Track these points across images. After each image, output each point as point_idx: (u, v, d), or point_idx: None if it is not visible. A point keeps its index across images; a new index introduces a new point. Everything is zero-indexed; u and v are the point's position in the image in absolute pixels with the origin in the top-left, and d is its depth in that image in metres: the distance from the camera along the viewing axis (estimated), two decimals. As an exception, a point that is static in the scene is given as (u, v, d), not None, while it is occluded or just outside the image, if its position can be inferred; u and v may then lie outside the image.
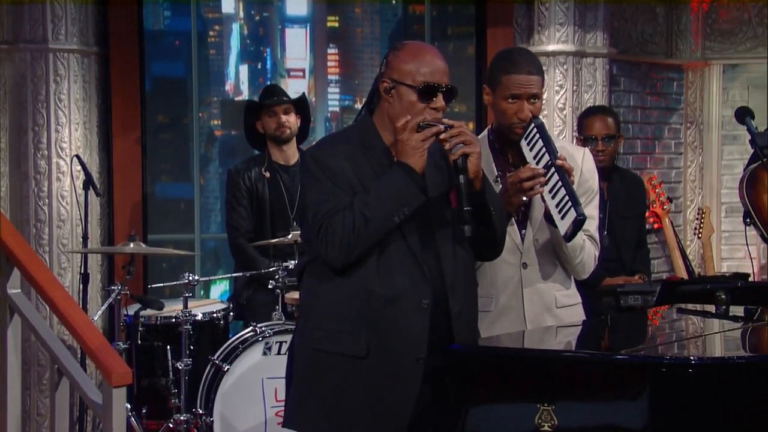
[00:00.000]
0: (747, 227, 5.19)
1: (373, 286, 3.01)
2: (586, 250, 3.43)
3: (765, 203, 5.07)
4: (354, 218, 2.96)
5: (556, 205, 3.23)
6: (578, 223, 3.18)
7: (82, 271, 5.25)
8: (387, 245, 3.02)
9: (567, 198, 3.20)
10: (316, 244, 3.01)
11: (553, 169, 3.25)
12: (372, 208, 2.96)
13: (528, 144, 3.35)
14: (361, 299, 3.01)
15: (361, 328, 3.01)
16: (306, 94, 5.68)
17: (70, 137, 5.62)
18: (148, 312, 4.95)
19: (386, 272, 3.02)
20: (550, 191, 3.26)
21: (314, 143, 3.25)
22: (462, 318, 3.11)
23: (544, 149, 3.29)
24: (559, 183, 3.22)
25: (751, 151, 5.43)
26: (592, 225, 3.47)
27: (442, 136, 3.00)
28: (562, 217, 3.22)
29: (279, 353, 4.78)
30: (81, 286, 5.24)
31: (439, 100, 3.05)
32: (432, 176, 3.11)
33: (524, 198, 3.31)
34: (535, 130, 3.33)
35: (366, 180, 3.04)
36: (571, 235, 3.23)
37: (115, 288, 4.85)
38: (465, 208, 2.97)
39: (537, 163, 3.30)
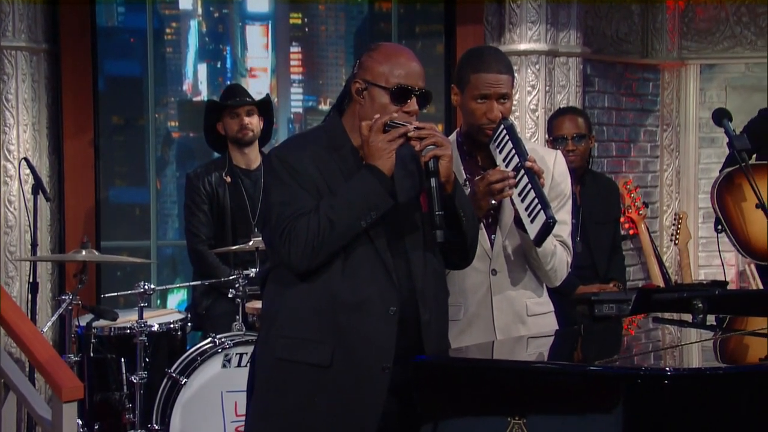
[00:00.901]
0: (719, 235, 5.23)
1: (339, 293, 3.00)
2: (558, 256, 3.44)
3: (741, 210, 5.10)
4: (319, 222, 2.96)
5: (526, 209, 3.24)
6: (548, 227, 3.19)
7: (31, 280, 5.21)
8: (353, 250, 3.02)
9: (536, 201, 3.20)
10: (279, 248, 3.00)
11: (522, 172, 3.26)
12: (338, 212, 2.96)
13: (497, 146, 3.35)
14: (325, 306, 3.01)
15: (326, 336, 3.01)
16: (269, 95, 5.67)
17: (19, 139, 5.57)
18: (101, 323, 4.91)
19: (352, 278, 3.01)
20: (519, 194, 3.26)
21: (280, 142, 3.24)
22: (431, 327, 3.10)
23: (513, 151, 3.29)
24: (529, 185, 3.23)
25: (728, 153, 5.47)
26: (564, 230, 3.48)
27: (411, 135, 3.00)
28: (532, 221, 3.22)
29: (239, 365, 4.76)
30: (30, 295, 5.19)
31: (413, 104, 3.06)
32: (402, 180, 3.11)
33: (493, 201, 3.31)
34: (504, 131, 3.33)
35: (333, 182, 3.03)
36: (540, 239, 3.23)
37: (66, 298, 4.80)
38: (437, 213, 2.97)
39: (506, 166, 3.31)
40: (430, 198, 2.99)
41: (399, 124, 3.01)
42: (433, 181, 2.98)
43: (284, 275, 3.06)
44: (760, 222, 4.97)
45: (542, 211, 3.18)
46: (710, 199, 5.25)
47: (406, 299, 3.05)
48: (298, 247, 2.96)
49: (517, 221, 3.34)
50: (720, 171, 5.55)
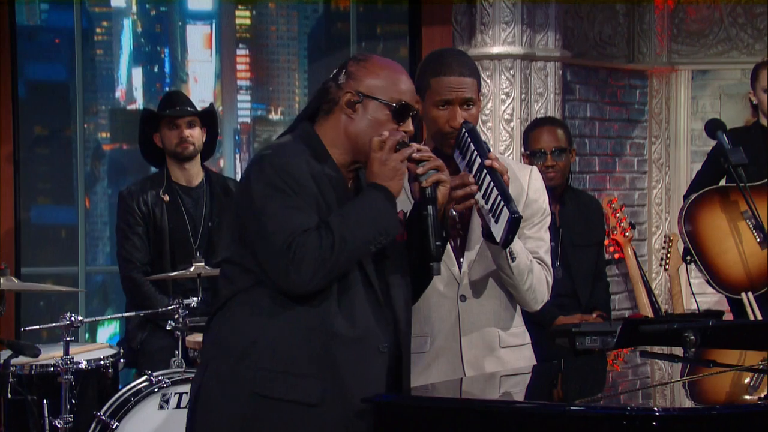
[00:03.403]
0: (687, 266, 5.27)
1: (335, 323, 3.02)
2: (536, 273, 3.45)
3: (721, 235, 5.13)
4: (333, 239, 2.97)
5: (490, 209, 3.28)
6: (513, 223, 3.21)
7: (-59, 312, 5.14)
8: (346, 277, 3.05)
9: (499, 198, 3.23)
10: (283, 265, 2.97)
11: (484, 171, 3.29)
12: (352, 231, 2.99)
13: (460, 153, 3.38)
14: (317, 337, 3.02)
15: (315, 371, 3.02)
16: (213, 104, 5.66)
17: (-72, 152, 5.53)
18: (21, 360, 4.86)
19: (349, 308, 3.05)
20: (483, 196, 3.29)
21: (266, 149, 3.15)
22: (406, 363, 3.18)
23: (475, 152, 3.32)
24: (491, 184, 3.27)
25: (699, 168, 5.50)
26: (541, 247, 3.50)
27: (415, 156, 3.08)
28: (497, 221, 3.25)
29: (178, 407, 4.73)
30: (-60, 329, 5.13)
31: (409, 124, 3.14)
32: None
33: (454, 212, 3.34)
34: (466, 135, 3.37)
35: (329, 200, 3.06)
36: (507, 239, 3.24)
37: (-19, 331, 4.76)
38: (436, 243, 3.04)
39: (470, 171, 3.34)
40: (424, 226, 3.05)
41: (408, 144, 3.08)
42: (430, 209, 3.06)
43: (261, 300, 3.06)
44: (748, 247, 5.01)
45: (505, 207, 3.21)
46: (678, 224, 5.27)
47: (392, 333, 3.12)
48: (309, 265, 2.95)
49: (485, 234, 3.36)
50: (690, 187, 5.57)
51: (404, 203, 3.24)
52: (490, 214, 3.27)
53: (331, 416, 3.01)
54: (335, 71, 3.19)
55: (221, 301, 3.15)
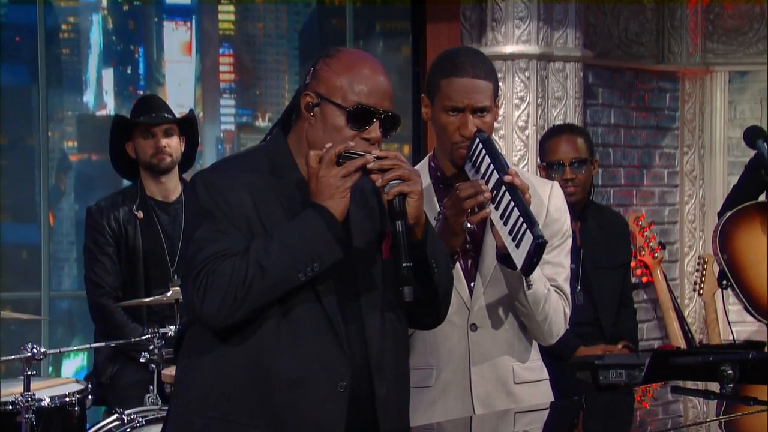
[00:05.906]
0: (723, 291, 5.25)
1: (275, 363, 2.99)
2: (552, 303, 3.45)
3: (758, 257, 5.13)
4: (248, 266, 2.93)
5: (509, 232, 3.25)
6: (537, 248, 3.19)
7: None
8: (294, 308, 3.01)
9: (521, 220, 3.21)
10: (192, 295, 2.97)
11: (502, 188, 3.27)
12: (273, 257, 2.94)
13: (473, 166, 3.36)
14: (257, 380, 2.99)
15: (258, 418, 2.99)
16: (193, 110, 5.67)
17: None
18: (-23, 396, 4.87)
19: (292, 345, 3.00)
20: (501, 216, 3.27)
21: (209, 165, 3.21)
22: (389, 403, 3.10)
23: (491, 166, 3.31)
24: (511, 204, 3.25)
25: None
26: (560, 274, 3.50)
27: (370, 166, 2.99)
28: (517, 245, 3.23)
29: (153, 449, 4.73)
30: None
31: (374, 129, 3.05)
32: (360, 222, 3.12)
33: (468, 225, 3.32)
34: (480, 145, 3.35)
35: (270, 220, 3.02)
36: (529, 266, 3.23)
37: (-68, 364, 4.76)
38: (404, 264, 2.98)
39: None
40: (396, 245, 2.99)
41: (356, 154, 2.99)
42: (398, 225, 2.99)
43: (204, 336, 3.04)
44: None
45: (528, 231, 3.19)
46: (712, 245, 5.27)
47: (358, 371, 3.05)
48: (215, 295, 2.93)
49: (500, 256, 3.35)
50: (725, 202, 5.57)
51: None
52: (510, 237, 3.25)
53: None
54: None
55: (180, 333, 3.17)
